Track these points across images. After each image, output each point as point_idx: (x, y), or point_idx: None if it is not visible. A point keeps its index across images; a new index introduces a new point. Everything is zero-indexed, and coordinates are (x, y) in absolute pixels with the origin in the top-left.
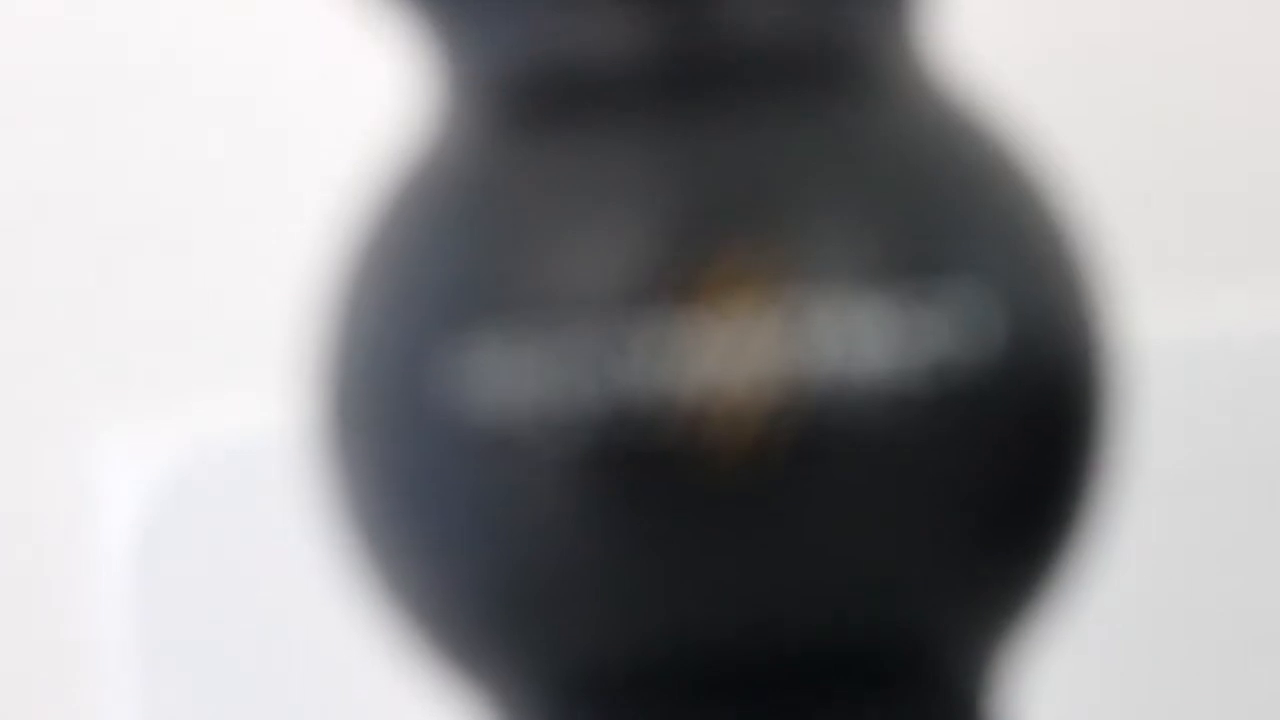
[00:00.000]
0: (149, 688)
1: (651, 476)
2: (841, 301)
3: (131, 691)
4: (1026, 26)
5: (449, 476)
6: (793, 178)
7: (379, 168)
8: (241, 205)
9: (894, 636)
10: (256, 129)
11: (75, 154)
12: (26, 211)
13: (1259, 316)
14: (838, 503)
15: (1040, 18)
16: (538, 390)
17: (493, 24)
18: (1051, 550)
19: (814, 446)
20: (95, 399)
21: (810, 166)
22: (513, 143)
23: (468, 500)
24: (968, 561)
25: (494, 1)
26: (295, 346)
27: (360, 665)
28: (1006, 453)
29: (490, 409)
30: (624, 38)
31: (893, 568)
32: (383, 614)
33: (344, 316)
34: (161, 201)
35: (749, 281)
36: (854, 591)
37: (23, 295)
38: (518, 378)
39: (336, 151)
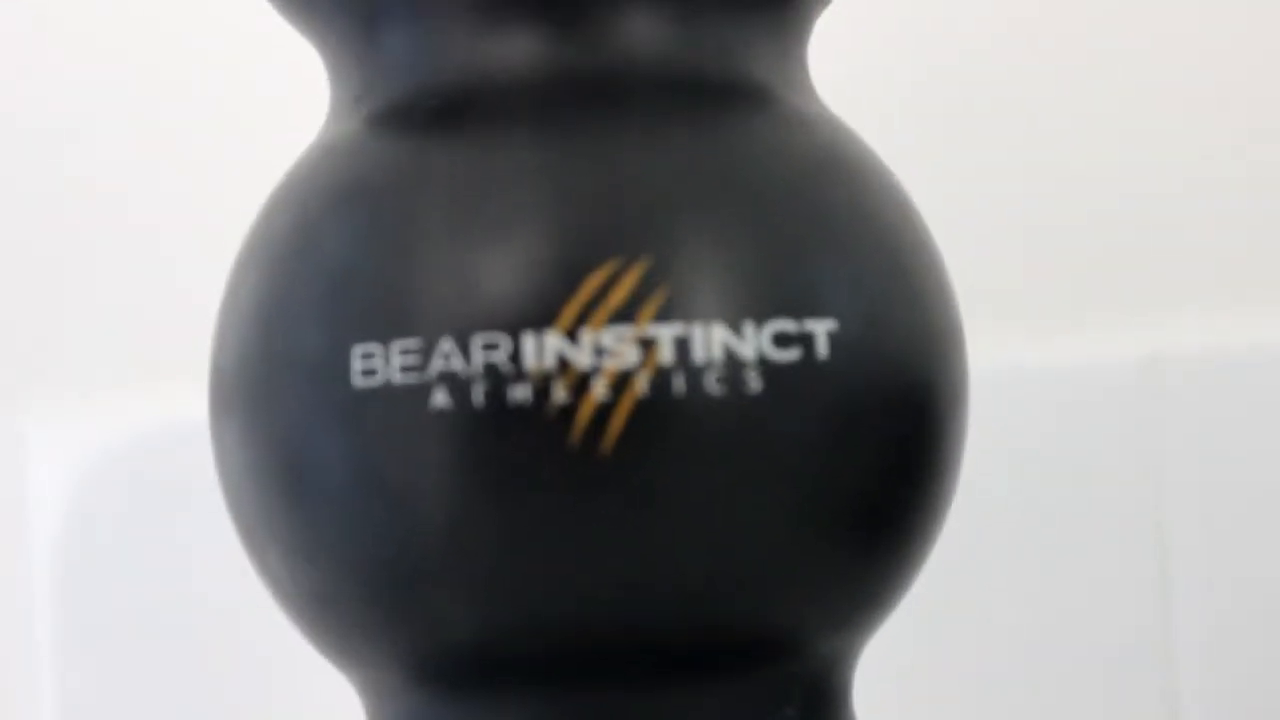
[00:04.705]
0: (66, 672)
1: (506, 461)
2: (690, 309)
3: (50, 677)
4: (890, 60)
5: (323, 449)
6: (658, 199)
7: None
8: (175, 197)
9: (739, 621)
10: (203, 119)
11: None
12: None
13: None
14: (674, 491)
15: (905, 52)
16: (405, 372)
17: (383, 39)
18: (887, 545)
19: (655, 436)
20: (20, 387)
21: (676, 189)
22: (400, 151)
23: (337, 474)
24: (809, 548)
25: (383, 18)
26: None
27: (275, 654)
28: (827, 455)
29: (356, 389)
30: (515, 58)
31: (733, 553)
32: (272, 597)
33: (233, 302)
34: (96, 193)
35: (606, 290)
36: (695, 572)
37: None
38: (387, 363)
39: (274, 147)
